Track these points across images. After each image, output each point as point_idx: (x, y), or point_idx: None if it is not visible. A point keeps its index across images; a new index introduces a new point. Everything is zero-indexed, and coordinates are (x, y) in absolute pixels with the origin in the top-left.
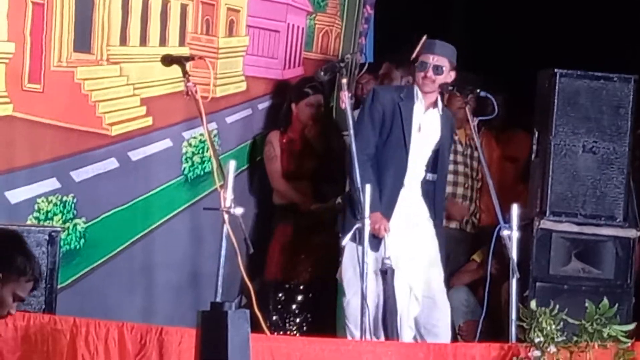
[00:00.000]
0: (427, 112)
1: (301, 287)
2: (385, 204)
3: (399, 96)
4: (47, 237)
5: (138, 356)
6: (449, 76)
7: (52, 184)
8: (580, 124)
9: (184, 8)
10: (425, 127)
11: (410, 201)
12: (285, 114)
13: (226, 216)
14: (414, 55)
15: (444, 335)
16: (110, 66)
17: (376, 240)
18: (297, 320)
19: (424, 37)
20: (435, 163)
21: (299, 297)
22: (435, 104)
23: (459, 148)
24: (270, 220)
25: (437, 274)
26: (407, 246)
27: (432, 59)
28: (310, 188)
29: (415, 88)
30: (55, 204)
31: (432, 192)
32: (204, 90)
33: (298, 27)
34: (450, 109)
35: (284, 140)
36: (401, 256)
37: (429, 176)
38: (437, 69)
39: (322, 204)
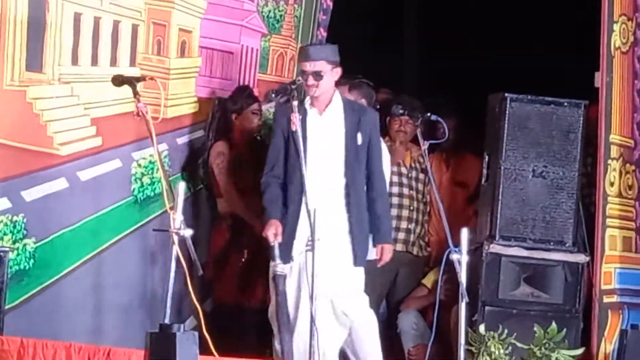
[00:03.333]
0: (323, 115)
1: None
2: (291, 216)
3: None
4: None
5: None
6: (334, 74)
7: (3, 203)
8: (531, 148)
9: (134, 28)
10: (323, 130)
11: (325, 211)
12: (225, 126)
13: (176, 238)
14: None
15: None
16: (61, 86)
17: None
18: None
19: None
20: (339, 166)
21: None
22: (329, 103)
23: (403, 170)
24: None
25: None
26: (321, 259)
27: (309, 66)
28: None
29: (307, 98)
30: (6, 224)
31: (347, 200)
32: (155, 110)
33: (252, 48)
34: (394, 133)
35: (232, 152)
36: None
37: (335, 182)
38: (317, 75)
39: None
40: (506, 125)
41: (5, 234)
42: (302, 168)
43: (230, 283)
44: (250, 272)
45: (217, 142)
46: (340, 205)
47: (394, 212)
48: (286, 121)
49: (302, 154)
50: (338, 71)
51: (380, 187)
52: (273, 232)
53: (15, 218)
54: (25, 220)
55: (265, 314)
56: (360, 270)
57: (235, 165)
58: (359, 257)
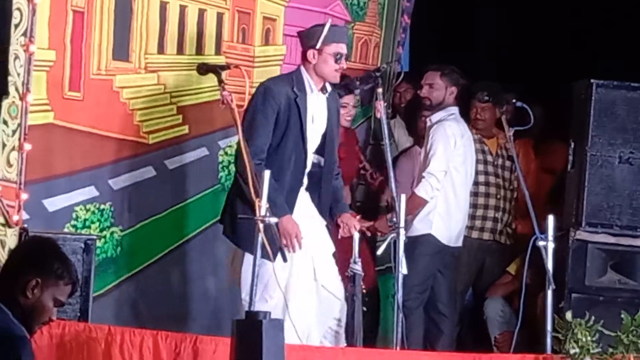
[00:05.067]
0: (319, 96)
1: None
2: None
3: (292, 90)
4: (82, 245)
5: None
6: None
7: (90, 192)
8: (617, 134)
9: (220, 17)
10: (317, 115)
11: (305, 196)
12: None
13: (261, 225)
14: (319, 44)
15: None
16: (147, 74)
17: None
18: None
19: (329, 23)
20: (323, 146)
21: None
22: (323, 89)
23: (489, 158)
24: None
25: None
26: (309, 242)
27: (343, 48)
28: (349, 194)
29: (307, 77)
30: (93, 212)
31: (318, 178)
32: (240, 99)
33: None
34: (483, 121)
35: None
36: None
37: (315, 158)
38: (346, 58)
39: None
40: (592, 111)
41: (92, 222)
42: (307, 155)
43: None
44: None
45: None
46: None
47: (481, 200)
48: (284, 101)
49: (306, 140)
50: None
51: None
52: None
53: (102, 206)
54: (112, 208)
55: None
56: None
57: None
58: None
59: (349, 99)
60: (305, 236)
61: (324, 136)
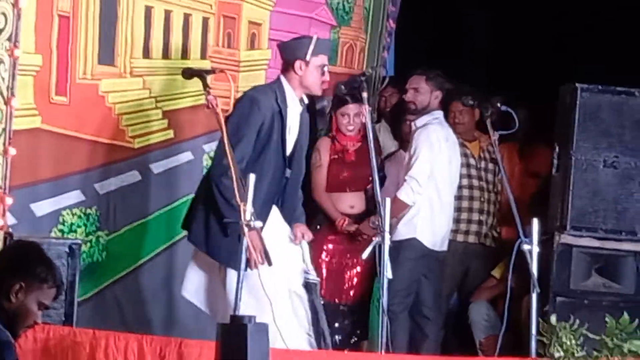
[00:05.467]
0: (294, 111)
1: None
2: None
3: (276, 102)
4: (67, 249)
5: None
6: None
7: (77, 196)
8: (602, 138)
9: (205, 21)
10: (292, 127)
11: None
12: (329, 122)
13: (246, 229)
14: (308, 56)
15: None
16: (133, 79)
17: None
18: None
19: (315, 37)
20: (291, 158)
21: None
22: (302, 100)
23: (472, 161)
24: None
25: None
26: (280, 251)
27: (326, 61)
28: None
29: (288, 88)
30: (79, 217)
31: (282, 191)
32: (225, 103)
33: None
34: (462, 124)
35: (335, 149)
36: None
37: (286, 172)
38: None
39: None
40: (577, 115)
41: (78, 226)
42: (284, 165)
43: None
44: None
45: (322, 138)
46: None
47: (465, 204)
48: (269, 113)
49: (286, 151)
50: None
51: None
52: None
53: (88, 211)
54: (98, 213)
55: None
56: None
57: (338, 162)
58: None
59: (350, 109)
60: (278, 245)
61: (294, 148)
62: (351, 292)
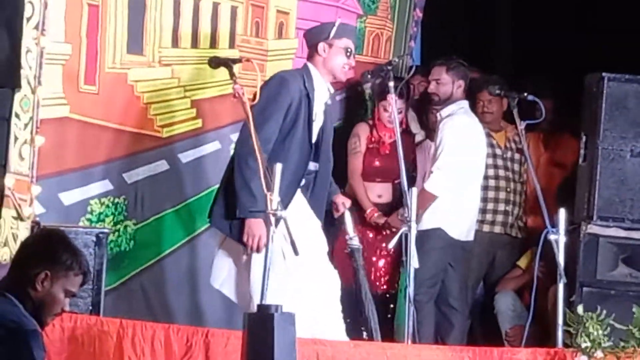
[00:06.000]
0: (321, 99)
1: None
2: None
3: (304, 86)
4: (94, 238)
5: (184, 358)
6: None
7: (105, 185)
8: (629, 128)
9: (233, 10)
10: (318, 113)
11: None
12: (372, 109)
13: (272, 219)
14: (331, 38)
15: None
16: (162, 68)
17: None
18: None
19: (338, 21)
20: (318, 151)
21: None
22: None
23: (498, 151)
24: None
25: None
26: (306, 241)
27: (352, 45)
28: (390, 191)
29: (316, 73)
30: (107, 206)
31: (311, 184)
32: (253, 92)
33: None
34: (480, 115)
35: (372, 138)
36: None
37: (312, 165)
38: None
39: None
40: (604, 105)
41: (107, 215)
42: (310, 152)
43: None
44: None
45: (360, 123)
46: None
47: (491, 194)
48: (297, 95)
49: (312, 138)
50: None
51: None
52: (259, 240)
53: (116, 200)
54: (126, 202)
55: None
56: None
57: (374, 150)
58: None
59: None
60: (302, 235)
61: (317, 140)
62: (378, 283)
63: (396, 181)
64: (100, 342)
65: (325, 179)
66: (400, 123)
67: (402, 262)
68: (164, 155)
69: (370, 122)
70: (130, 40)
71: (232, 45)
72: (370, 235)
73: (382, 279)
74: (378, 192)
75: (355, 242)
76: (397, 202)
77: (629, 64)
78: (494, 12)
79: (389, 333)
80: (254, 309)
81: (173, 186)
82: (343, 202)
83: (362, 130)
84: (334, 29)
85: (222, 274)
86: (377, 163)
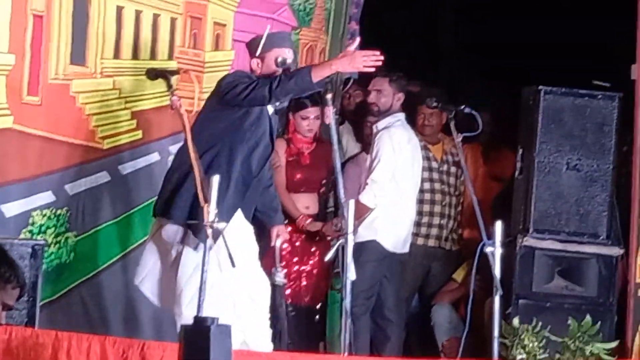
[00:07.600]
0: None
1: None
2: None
3: None
4: (30, 250)
5: None
6: None
7: (47, 197)
8: (564, 141)
9: (173, 21)
10: None
11: None
12: (284, 124)
13: (209, 231)
14: (259, 51)
15: None
16: (103, 79)
17: None
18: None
19: (267, 29)
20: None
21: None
22: None
23: (434, 165)
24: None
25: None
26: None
27: (286, 53)
28: (316, 202)
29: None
30: (49, 218)
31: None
32: (190, 104)
33: None
34: (420, 127)
35: (290, 152)
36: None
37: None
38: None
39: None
40: (540, 118)
41: (48, 227)
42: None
43: None
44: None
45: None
46: None
47: (426, 208)
48: None
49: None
50: None
51: None
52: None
53: (59, 212)
54: (68, 213)
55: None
56: None
57: (294, 164)
58: None
59: (310, 112)
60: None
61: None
62: (308, 293)
63: (321, 190)
64: (36, 354)
65: (258, 181)
66: (314, 131)
67: (337, 274)
68: (105, 167)
69: (286, 136)
70: (74, 51)
71: (171, 56)
72: (297, 243)
73: (309, 291)
74: (305, 204)
75: (279, 277)
76: (323, 214)
77: (565, 78)
78: (432, 25)
79: (314, 345)
80: (179, 312)
81: (114, 198)
82: (278, 235)
83: (279, 147)
84: (261, 43)
85: (143, 271)
86: (299, 175)
